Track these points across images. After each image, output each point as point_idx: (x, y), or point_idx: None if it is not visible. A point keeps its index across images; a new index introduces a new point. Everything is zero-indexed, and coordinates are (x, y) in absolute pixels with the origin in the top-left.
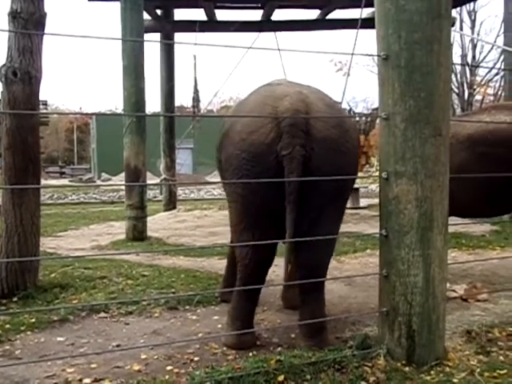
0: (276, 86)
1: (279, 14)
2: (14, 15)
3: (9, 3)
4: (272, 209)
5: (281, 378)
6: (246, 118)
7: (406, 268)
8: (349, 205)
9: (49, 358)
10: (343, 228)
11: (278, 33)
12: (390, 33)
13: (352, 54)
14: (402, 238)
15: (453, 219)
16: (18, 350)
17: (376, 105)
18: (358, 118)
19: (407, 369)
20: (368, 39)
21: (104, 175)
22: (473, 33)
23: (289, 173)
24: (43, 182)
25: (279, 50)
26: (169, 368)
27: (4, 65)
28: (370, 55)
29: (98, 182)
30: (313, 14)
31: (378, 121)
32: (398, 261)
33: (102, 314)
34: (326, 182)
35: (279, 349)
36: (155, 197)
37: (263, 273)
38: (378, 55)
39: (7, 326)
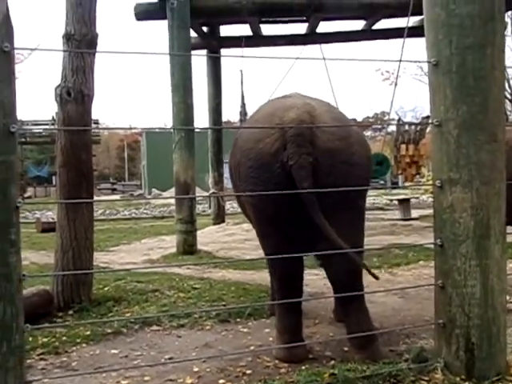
0: (286, 98)
1: (324, 26)
2: (68, 37)
3: (63, 27)
4: (281, 218)
5: None
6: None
7: (463, 278)
8: (400, 216)
9: (104, 370)
10: (395, 240)
11: (323, 45)
12: (440, 38)
13: (400, 61)
14: (458, 247)
15: (510, 229)
16: (74, 362)
17: (425, 113)
18: (407, 127)
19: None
20: (415, 48)
21: (154, 191)
22: None
23: (301, 182)
24: (95, 198)
25: (324, 59)
26: (221, 381)
27: (59, 85)
28: (419, 61)
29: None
30: (358, 24)
31: (428, 130)
32: (453, 271)
33: (155, 327)
34: (328, 193)
35: (332, 362)
36: (204, 211)
37: (294, 282)
38: (428, 61)
39: (64, 338)
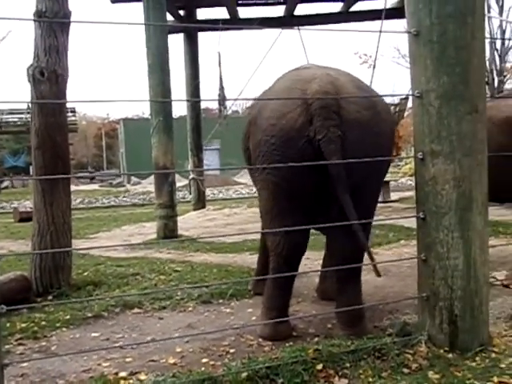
0: (303, 69)
1: (302, 9)
2: (39, 15)
3: (34, 3)
4: (304, 194)
5: (319, 366)
6: (275, 104)
7: (446, 251)
8: (379, 199)
9: (84, 351)
10: (375, 221)
11: (301, 28)
12: (420, 7)
13: (380, 32)
14: (441, 219)
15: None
16: (53, 346)
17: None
18: None
19: (451, 355)
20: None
21: (133, 179)
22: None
23: (330, 156)
24: (73, 187)
25: (299, 29)
26: (204, 360)
27: (31, 65)
28: (399, 32)
29: (128, 186)
30: (336, 7)
31: (406, 113)
32: (436, 244)
33: (136, 310)
34: (358, 166)
35: (316, 339)
36: (184, 197)
37: (296, 261)
38: (408, 32)
39: (43, 323)
